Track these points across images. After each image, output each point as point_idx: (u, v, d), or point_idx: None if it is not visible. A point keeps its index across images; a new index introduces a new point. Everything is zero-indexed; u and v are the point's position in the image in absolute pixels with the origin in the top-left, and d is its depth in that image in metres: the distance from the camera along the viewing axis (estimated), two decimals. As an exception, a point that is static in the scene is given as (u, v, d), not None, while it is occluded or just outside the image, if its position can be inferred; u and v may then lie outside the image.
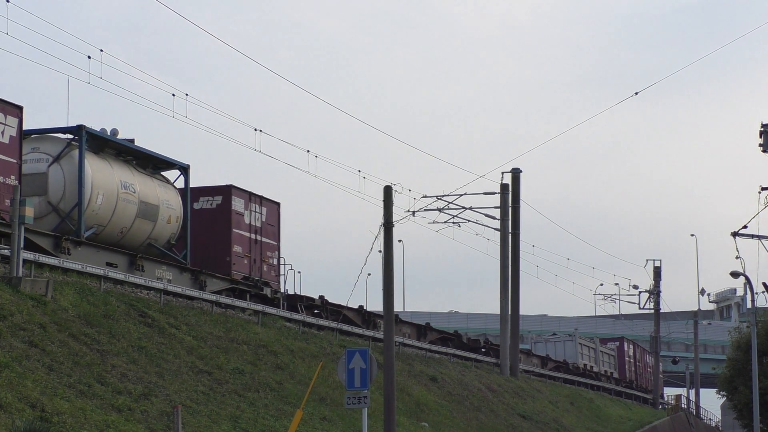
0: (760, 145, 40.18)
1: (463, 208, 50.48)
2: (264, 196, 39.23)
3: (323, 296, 41.72)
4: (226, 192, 37.56)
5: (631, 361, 79.23)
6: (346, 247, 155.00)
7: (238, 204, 37.73)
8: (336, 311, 41.87)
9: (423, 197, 45.47)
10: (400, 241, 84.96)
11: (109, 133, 61.88)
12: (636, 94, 43.92)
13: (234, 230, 37.38)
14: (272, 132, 37.75)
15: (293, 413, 26.53)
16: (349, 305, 42.11)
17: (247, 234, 38.04)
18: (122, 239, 32.71)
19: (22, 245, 26.53)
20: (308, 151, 39.41)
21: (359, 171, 41.61)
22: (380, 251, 31.50)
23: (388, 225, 30.80)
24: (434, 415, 37.11)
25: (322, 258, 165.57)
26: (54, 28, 52.49)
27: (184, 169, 36.13)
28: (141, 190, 33.39)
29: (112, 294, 29.42)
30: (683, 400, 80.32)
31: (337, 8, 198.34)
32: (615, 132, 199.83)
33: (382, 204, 31.02)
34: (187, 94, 34.60)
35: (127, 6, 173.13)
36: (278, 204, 40.04)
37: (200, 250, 36.42)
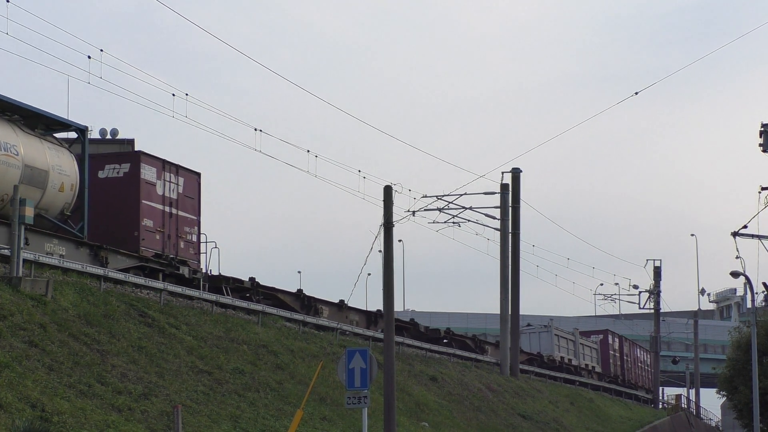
0: (760, 145, 40.23)
1: (463, 208, 50.52)
2: (181, 165, 35.41)
3: (254, 278, 38.38)
4: (135, 158, 33.69)
5: (617, 355, 75.95)
6: (346, 247, 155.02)
7: (148, 172, 33.75)
8: (270, 295, 38.75)
9: (423, 197, 45.50)
10: (400, 241, 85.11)
11: (109, 134, 62.01)
12: (636, 94, 43.89)
13: (144, 202, 33.42)
14: (272, 132, 37.63)
15: (293, 413, 26.54)
16: (285, 289, 39.53)
17: (159, 206, 34.08)
18: (3, 208, 28.59)
19: (22, 245, 26.52)
20: (308, 151, 39.39)
21: (359, 171, 41.63)
22: (380, 251, 31.51)
23: (388, 225, 30.81)
24: (434, 415, 37.12)
25: (322, 258, 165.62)
26: (54, 28, 52.49)
27: (82, 131, 32.19)
28: (26, 153, 29.44)
29: (112, 294, 29.42)
30: (683, 400, 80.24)
31: (337, 8, 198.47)
32: (615, 132, 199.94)
33: (382, 204, 31.04)
34: (187, 94, 34.60)
35: (127, 6, 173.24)
36: (198, 174, 36.21)
37: (105, 223, 32.95)
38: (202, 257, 36.39)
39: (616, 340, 76.09)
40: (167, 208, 34.50)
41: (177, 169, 35.15)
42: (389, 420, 29.77)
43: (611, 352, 74.33)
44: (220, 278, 36.69)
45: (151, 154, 34.24)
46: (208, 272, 36.74)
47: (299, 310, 38.90)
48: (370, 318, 44.55)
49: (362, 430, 24.45)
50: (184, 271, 34.84)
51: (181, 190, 35.23)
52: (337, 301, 41.85)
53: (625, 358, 77.12)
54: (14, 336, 22.79)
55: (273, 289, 39.00)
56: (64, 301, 26.32)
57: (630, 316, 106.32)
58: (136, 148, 60.05)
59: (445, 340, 50.66)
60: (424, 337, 47.94)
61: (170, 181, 34.69)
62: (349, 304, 42.00)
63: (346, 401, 24.52)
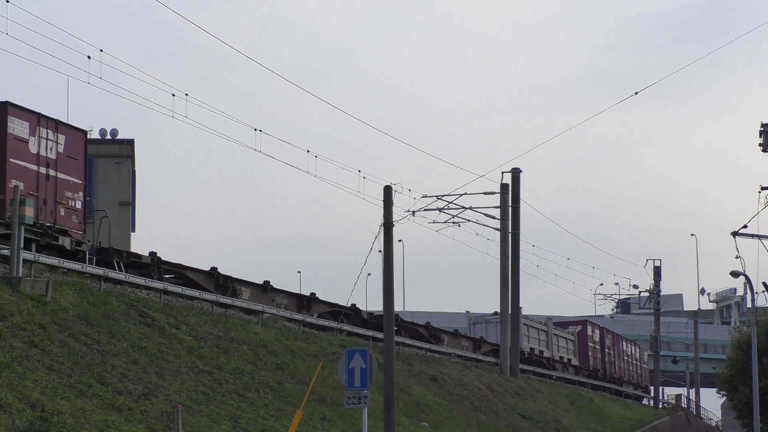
0: (760, 145, 40.25)
1: (463, 208, 50.54)
2: (62, 120, 31.33)
3: (155, 252, 34.15)
4: (1, 111, 29.14)
5: (597, 347, 71.39)
6: (346, 247, 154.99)
7: (19, 127, 29.38)
8: (176, 272, 34.77)
9: (423, 197, 45.54)
10: (400, 241, 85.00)
11: (109, 134, 61.91)
12: (636, 94, 43.92)
13: (12, 160, 29.07)
14: (272, 132, 37.56)
15: (293, 413, 26.54)
16: (195, 266, 35.68)
17: (33, 167, 29.80)
18: None
19: (22, 245, 26.53)
20: (308, 151, 39.34)
21: (359, 171, 41.58)
22: (380, 251, 31.51)
23: (388, 225, 30.80)
24: (434, 415, 37.11)
25: (322, 258, 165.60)
26: (54, 28, 52.46)
27: None
28: None
29: (112, 294, 29.43)
30: (683, 400, 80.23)
31: (337, 8, 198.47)
32: (615, 132, 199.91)
33: (382, 204, 31.03)
34: (187, 94, 34.58)
35: (127, 6, 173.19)
36: (84, 132, 32.05)
37: None
38: (88, 226, 32.62)
39: (597, 331, 71.89)
40: (43, 169, 30.17)
41: (56, 124, 30.77)
42: (389, 420, 29.76)
43: (590, 344, 70.00)
44: (111, 251, 32.80)
45: (23, 105, 29.80)
46: (97, 244, 33.12)
47: (213, 291, 34.88)
48: (301, 302, 40.09)
49: (362, 430, 24.44)
50: (65, 242, 30.63)
51: (61, 150, 30.79)
52: (261, 282, 37.85)
53: (607, 351, 72.93)
54: (14, 336, 22.79)
55: (180, 266, 34.89)
56: (64, 302, 26.32)
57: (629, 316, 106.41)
58: (135, 147, 60.73)
59: (396, 327, 45.90)
60: (368, 324, 43.32)
61: (48, 138, 30.32)
62: (275, 286, 38.14)
63: (346, 401, 24.52)
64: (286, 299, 39.28)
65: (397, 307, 56.85)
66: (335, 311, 41.47)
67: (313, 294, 40.83)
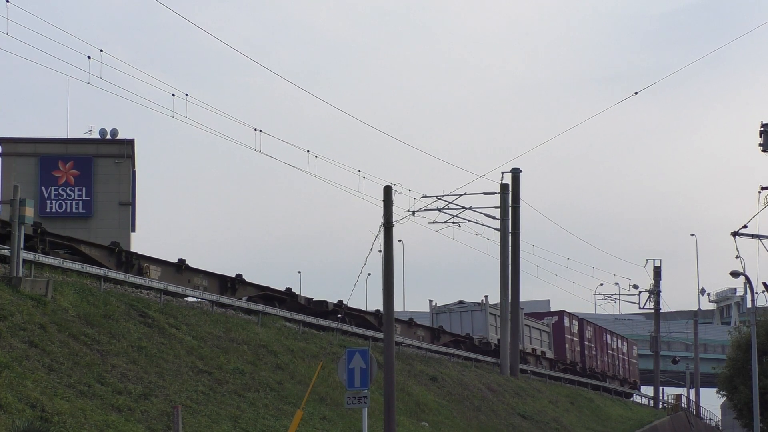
0: (760, 145, 40.23)
1: (463, 208, 50.56)
2: None
3: (39, 223, 30.60)
4: None
5: (575, 339, 67.40)
6: (346, 247, 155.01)
7: None
8: (68, 246, 31.37)
9: (423, 197, 45.54)
10: (400, 241, 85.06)
11: (109, 134, 61.90)
12: (636, 94, 43.83)
13: None
14: (272, 132, 37.51)
15: (293, 413, 26.55)
16: (90, 240, 32.87)
17: None
18: None
19: (22, 245, 26.54)
20: (308, 151, 39.30)
21: (359, 171, 41.51)
22: (380, 251, 31.52)
23: (388, 225, 30.82)
24: (434, 415, 37.12)
25: (322, 258, 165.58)
26: (54, 28, 52.45)
27: None
28: None
29: (112, 294, 29.44)
30: (683, 400, 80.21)
31: (337, 8, 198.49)
32: (615, 132, 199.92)
33: (382, 204, 31.04)
34: (187, 94, 34.58)
35: (127, 6, 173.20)
36: None
37: None
38: None
39: (575, 323, 67.86)
40: None
41: None
42: (389, 420, 29.77)
43: (568, 336, 65.91)
44: None
45: None
46: None
47: (115, 268, 31.81)
48: (225, 283, 36.50)
49: (362, 430, 24.46)
50: None
51: None
52: (176, 260, 34.78)
53: (586, 343, 68.84)
54: (14, 336, 22.79)
55: (72, 239, 31.98)
56: (64, 302, 26.33)
57: (630, 316, 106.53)
58: (135, 147, 60.68)
59: (339, 315, 41.08)
60: (307, 310, 39.63)
61: None
62: (191, 265, 35.13)
63: (346, 401, 24.53)
64: (206, 280, 35.79)
65: (398, 307, 56.77)
66: (267, 295, 38.41)
67: (239, 275, 37.33)
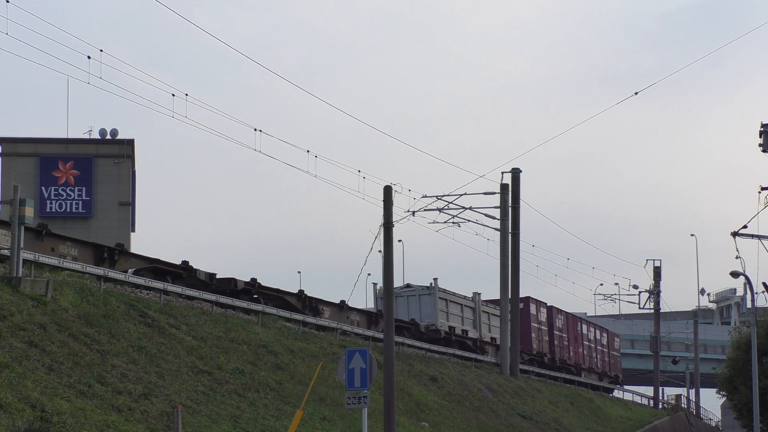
0: (760, 145, 40.20)
1: (463, 208, 50.57)
2: None
3: None
4: None
5: (543, 328, 62.82)
6: (346, 247, 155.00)
7: None
8: None
9: (423, 197, 45.58)
10: (400, 241, 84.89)
11: (109, 134, 61.92)
12: (636, 94, 43.87)
13: None
14: (272, 132, 37.49)
15: (293, 413, 26.54)
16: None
17: None
18: None
19: (22, 245, 26.54)
20: (308, 151, 39.28)
21: (359, 171, 41.50)
22: (380, 251, 31.53)
23: (388, 225, 30.82)
24: (434, 415, 37.12)
25: (322, 258, 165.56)
26: (54, 28, 52.46)
27: None
28: None
29: (112, 294, 29.44)
30: (683, 400, 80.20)
31: (337, 8, 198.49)
32: (615, 132, 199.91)
33: (382, 204, 31.05)
34: (187, 94, 34.57)
35: (127, 6, 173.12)
36: None
37: None
38: None
39: (543, 310, 63.10)
40: None
41: None
42: (389, 420, 29.77)
43: (534, 324, 61.06)
44: None
45: None
46: None
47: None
48: (101, 253, 32.73)
49: (362, 430, 24.45)
50: None
51: None
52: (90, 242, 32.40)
53: (556, 333, 64.16)
54: (14, 336, 22.79)
55: None
56: (64, 302, 26.32)
57: (630, 316, 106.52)
58: (135, 147, 60.66)
59: (255, 296, 37.77)
60: (210, 288, 35.52)
61: None
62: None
63: (346, 401, 24.52)
64: (76, 249, 31.54)
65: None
66: (157, 269, 34.05)
67: (119, 244, 33.83)
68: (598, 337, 72.85)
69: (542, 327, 62.52)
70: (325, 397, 30.74)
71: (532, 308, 60.83)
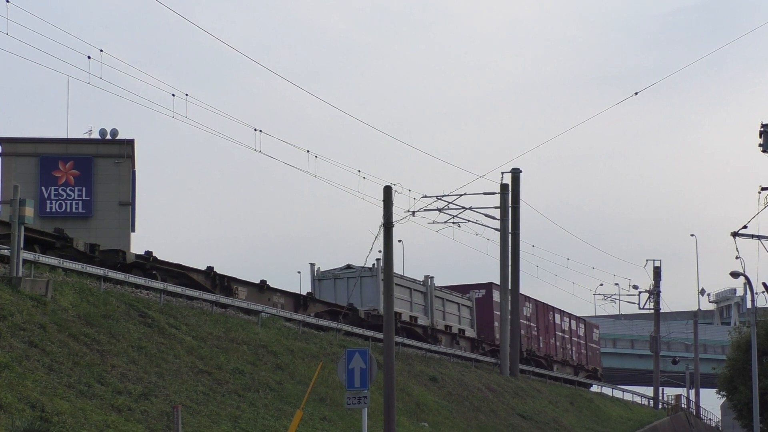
0: (760, 145, 40.21)
1: (463, 208, 50.58)
2: None
3: None
4: None
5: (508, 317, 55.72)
6: (346, 247, 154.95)
7: None
8: None
9: (423, 197, 45.55)
10: (400, 241, 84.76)
11: (109, 134, 61.96)
12: (636, 94, 43.88)
13: None
14: (272, 132, 37.49)
15: (293, 413, 26.54)
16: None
17: None
18: None
19: (21, 245, 26.54)
20: (308, 151, 39.26)
21: (359, 171, 41.48)
22: (380, 251, 31.53)
23: (388, 225, 30.82)
24: (434, 415, 37.13)
25: (323, 258, 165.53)
26: (54, 28, 52.45)
27: None
28: None
29: (112, 294, 29.44)
30: (683, 400, 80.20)
31: (337, 7, 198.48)
32: (615, 132, 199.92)
33: (382, 204, 31.05)
34: (187, 94, 34.57)
35: (127, 6, 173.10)
36: None
37: None
38: None
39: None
40: None
41: None
42: (389, 420, 29.77)
43: (497, 312, 55.80)
44: None
45: None
46: None
47: None
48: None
49: (362, 430, 24.45)
50: None
51: None
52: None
53: (523, 322, 58.86)
54: (14, 336, 22.79)
55: None
56: (64, 302, 26.33)
57: (630, 316, 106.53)
58: (135, 147, 60.66)
59: (154, 271, 33.76)
60: (93, 261, 31.25)
61: None
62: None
63: (346, 401, 24.53)
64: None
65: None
66: (35, 239, 29.98)
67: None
68: (573, 327, 68.51)
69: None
70: (325, 397, 30.74)
71: (495, 295, 56.31)
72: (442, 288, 51.72)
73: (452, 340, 51.22)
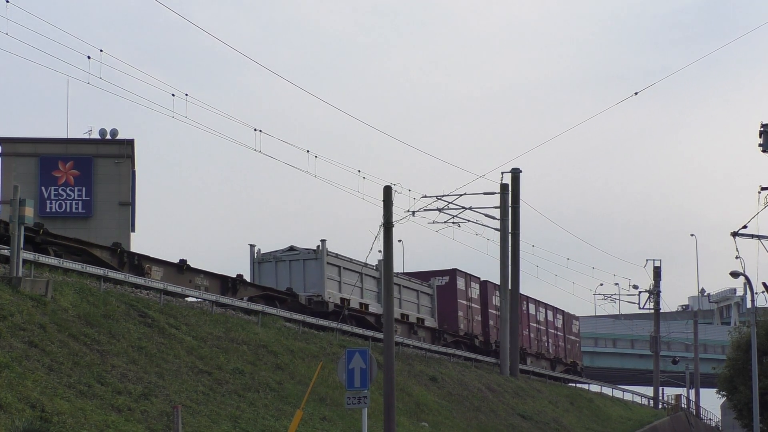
0: (760, 145, 40.18)
1: (463, 208, 50.57)
2: None
3: None
4: None
5: (475, 307, 54.46)
6: (346, 247, 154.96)
7: None
8: None
9: (423, 197, 45.55)
10: (399, 241, 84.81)
11: (109, 134, 62.00)
12: (636, 94, 43.80)
13: None
14: (272, 132, 37.47)
15: (293, 413, 26.55)
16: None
17: None
18: None
19: (21, 245, 26.54)
20: (308, 151, 39.24)
21: (359, 171, 41.45)
22: (380, 251, 31.53)
23: (388, 225, 30.83)
24: (434, 415, 37.13)
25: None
26: (54, 28, 52.49)
27: None
28: None
29: (112, 294, 29.44)
30: (683, 400, 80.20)
31: (337, 7, 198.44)
32: (615, 132, 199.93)
33: (382, 204, 31.06)
34: (186, 94, 34.56)
35: (127, 6, 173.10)
36: None
37: None
38: None
39: (475, 285, 54.79)
40: None
41: None
42: (389, 420, 29.78)
43: (462, 301, 53.05)
44: None
45: None
46: None
47: None
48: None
49: (362, 430, 24.45)
50: None
51: None
52: None
53: (492, 312, 56.06)
54: (14, 336, 22.79)
55: None
56: (64, 302, 26.33)
57: (630, 316, 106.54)
58: (135, 147, 60.70)
59: (45, 245, 30.72)
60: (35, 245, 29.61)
61: None
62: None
63: (346, 401, 24.52)
64: None
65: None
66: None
67: None
68: (549, 318, 64.55)
69: (472, 305, 54.26)
70: (325, 397, 30.75)
71: (459, 283, 52.97)
72: (398, 274, 48.04)
73: (409, 330, 47.57)
